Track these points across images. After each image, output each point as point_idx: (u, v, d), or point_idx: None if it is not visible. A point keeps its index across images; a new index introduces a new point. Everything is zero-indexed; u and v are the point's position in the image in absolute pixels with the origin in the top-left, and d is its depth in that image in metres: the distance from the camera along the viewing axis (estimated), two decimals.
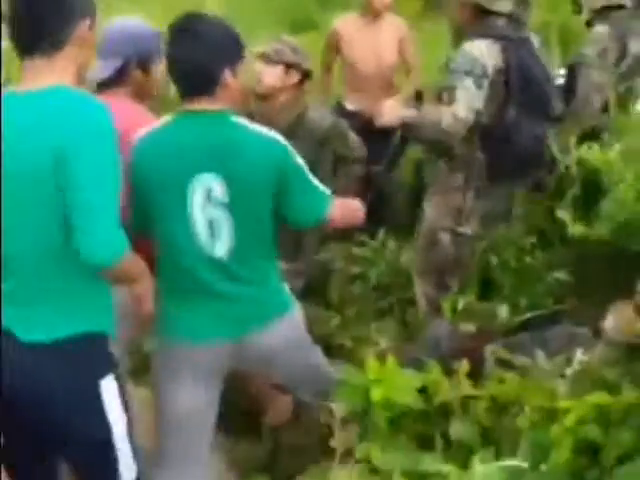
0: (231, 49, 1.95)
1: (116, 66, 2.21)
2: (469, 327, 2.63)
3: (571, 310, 2.66)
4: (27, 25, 1.68)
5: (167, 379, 2.08)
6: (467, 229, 2.86)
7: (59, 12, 1.67)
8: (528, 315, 2.65)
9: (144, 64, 2.25)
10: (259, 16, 6.67)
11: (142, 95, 2.30)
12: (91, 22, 1.75)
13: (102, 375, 1.80)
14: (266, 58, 2.93)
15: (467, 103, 2.61)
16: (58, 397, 1.76)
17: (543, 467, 1.85)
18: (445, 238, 2.85)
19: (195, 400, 2.07)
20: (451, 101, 2.63)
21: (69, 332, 1.70)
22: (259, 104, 2.99)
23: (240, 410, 2.71)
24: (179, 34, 1.92)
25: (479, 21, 2.72)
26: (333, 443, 1.99)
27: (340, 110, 3.95)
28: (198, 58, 1.88)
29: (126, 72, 2.23)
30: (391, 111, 2.72)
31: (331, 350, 2.74)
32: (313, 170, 2.14)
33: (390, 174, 3.73)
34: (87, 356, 1.77)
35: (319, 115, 3.11)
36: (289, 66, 2.94)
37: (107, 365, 1.83)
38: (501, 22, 2.71)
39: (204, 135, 1.92)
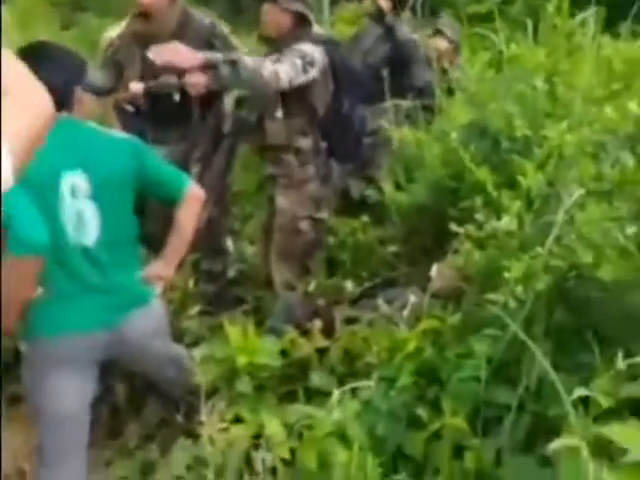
0: (76, 71, 2.18)
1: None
2: (321, 301, 2.89)
3: (404, 275, 2.99)
4: None
5: (42, 378, 2.13)
6: (323, 214, 3.11)
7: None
8: (367, 284, 2.96)
9: None
10: None
11: None
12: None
13: None
14: None
15: (289, 71, 2.78)
16: None
17: (392, 392, 2.11)
18: (305, 225, 3.06)
19: (74, 395, 2.15)
20: (277, 61, 2.80)
21: None
22: (142, 23, 3.14)
23: None
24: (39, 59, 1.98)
25: (297, 29, 3.00)
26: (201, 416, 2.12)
27: None
28: (56, 82, 1.92)
29: None
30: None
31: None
32: None
33: None
34: None
35: (199, 16, 3.27)
36: None
37: None
38: (314, 29, 3.04)
39: (68, 141, 2.09)
